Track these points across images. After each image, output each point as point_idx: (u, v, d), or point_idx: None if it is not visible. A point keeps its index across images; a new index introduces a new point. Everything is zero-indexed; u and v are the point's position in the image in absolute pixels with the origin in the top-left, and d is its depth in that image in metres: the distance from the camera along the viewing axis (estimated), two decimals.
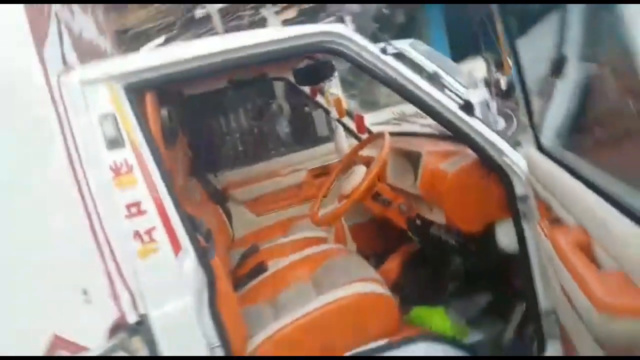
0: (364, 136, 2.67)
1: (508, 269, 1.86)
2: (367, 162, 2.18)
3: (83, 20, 1.95)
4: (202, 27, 5.10)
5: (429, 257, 2.21)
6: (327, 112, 2.98)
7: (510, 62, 1.62)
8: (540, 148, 1.41)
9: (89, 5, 2.09)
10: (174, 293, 1.35)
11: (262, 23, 5.12)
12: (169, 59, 1.43)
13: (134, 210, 1.33)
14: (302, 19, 5.25)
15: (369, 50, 1.53)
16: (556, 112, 1.41)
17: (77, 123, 1.30)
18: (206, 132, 3.10)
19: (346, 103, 2.92)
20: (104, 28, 2.38)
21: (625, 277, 0.81)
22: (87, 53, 1.81)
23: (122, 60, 1.50)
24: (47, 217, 1.27)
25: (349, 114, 2.92)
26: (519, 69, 1.45)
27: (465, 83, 5.03)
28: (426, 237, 2.05)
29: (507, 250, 1.73)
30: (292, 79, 2.79)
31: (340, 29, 1.53)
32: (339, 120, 2.96)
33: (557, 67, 1.38)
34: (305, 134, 3.23)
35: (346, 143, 3.04)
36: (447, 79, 4.91)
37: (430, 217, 1.96)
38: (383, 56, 1.52)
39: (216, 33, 5.00)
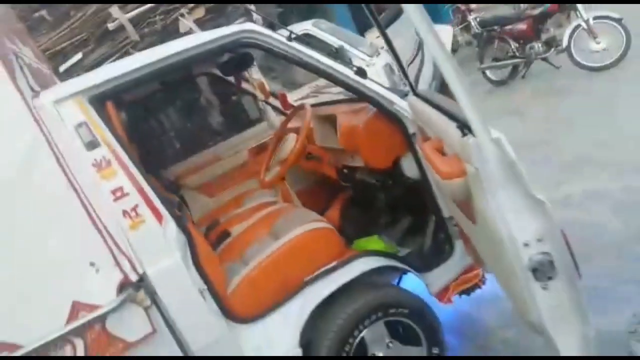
0: (289, 111, 3.10)
1: (418, 192, 2.37)
2: (296, 130, 2.61)
3: (26, 51, 2.22)
4: (116, 39, 5.25)
5: (360, 199, 2.69)
6: (254, 96, 3.37)
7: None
8: (415, 93, 1.90)
9: (26, 36, 2.34)
10: (164, 253, 1.72)
11: (174, 26, 5.33)
12: (120, 71, 1.78)
13: (118, 194, 1.68)
14: (212, 15, 5.51)
15: (277, 39, 1.94)
16: (421, 68, 1.92)
17: (58, 135, 1.63)
18: (145, 132, 3.38)
19: (268, 86, 3.32)
20: (39, 55, 2.63)
21: (456, 157, 1.30)
22: (39, 78, 2.09)
23: (81, 78, 1.82)
24: (51, 213, 1.60)
25: (273, 94, 3.33)
26: (391, 48, 1.94)
27: (368, 52, 5.59)
28: (354, 181, 2.53)
29: (413, 177, 2.24)
30: (217, 72, 3.16)
31: (252, 26, 1.93)
32: (266, 102, 3.37)
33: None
34: (237, 120, 3.60)
35: (276, 120, 3.46)
36: (350, 50, 5.46)
37: (353, 163, 2.44)
38: (289, 42, 1.94)
39: (132, 42, 5.18)
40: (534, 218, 1.31)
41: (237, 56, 2.60)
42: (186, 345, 1.76)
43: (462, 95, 1.20)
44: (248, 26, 1.93)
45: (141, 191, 1.71)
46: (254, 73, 3.13)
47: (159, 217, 1.73)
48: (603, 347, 1.77)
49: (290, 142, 2.43)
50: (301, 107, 2.63)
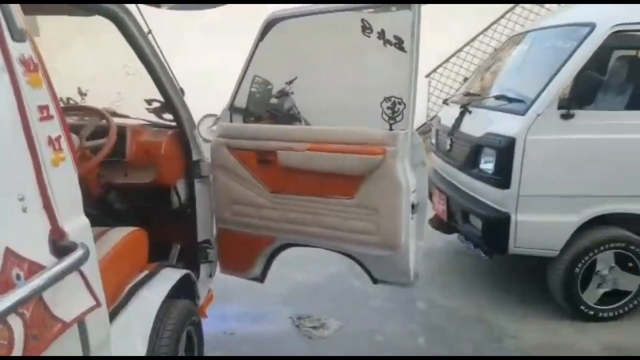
0: None
1: (170, 220, 2.47)
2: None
3: None
4: None
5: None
6: None
7: None
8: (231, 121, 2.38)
9: None
10: (79, 206, 1.28)
11: None
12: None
13: (44, 113, 1.18)
14: None
15: (138, 26, 1.91)
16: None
17: None
18: None
19: None
20: None
21: (375, 145, 2.07)
22: None
23: None
24: None
25: None
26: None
27: None
28: (102, 201, 2.29)
29: (182, 200, 2.42)
30: None
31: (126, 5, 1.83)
32: None
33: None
34: None
35: None
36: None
37: (124, 180, 2.28)
38: (149, 37, 1.96)
39: None
40: (419, 176, 2.11)
41: None
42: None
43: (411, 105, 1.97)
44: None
45: (63, 122, 1.26)
46: None
47: (77, 161, 1.29)
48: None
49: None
50: (95, 110, 2.17)
